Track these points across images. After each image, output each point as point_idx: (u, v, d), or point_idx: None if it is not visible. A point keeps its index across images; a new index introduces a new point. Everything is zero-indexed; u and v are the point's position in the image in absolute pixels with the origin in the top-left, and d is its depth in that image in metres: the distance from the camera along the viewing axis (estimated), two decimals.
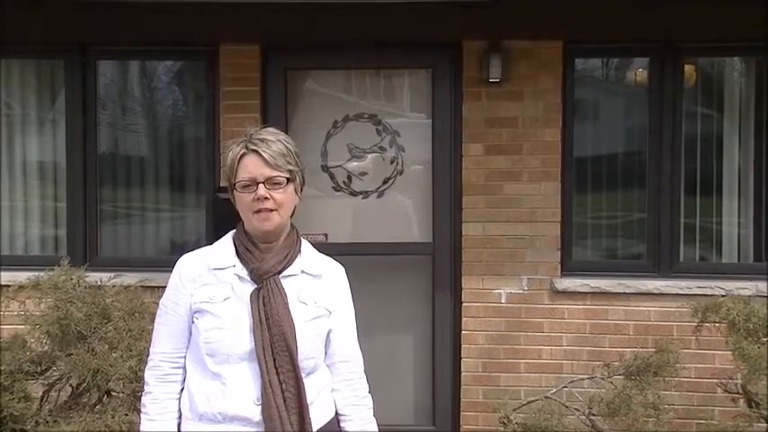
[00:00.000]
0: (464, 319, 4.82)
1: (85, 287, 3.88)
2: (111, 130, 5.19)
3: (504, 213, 4.79)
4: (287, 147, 2.17)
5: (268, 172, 2.13)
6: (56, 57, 5.08)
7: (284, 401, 2.09)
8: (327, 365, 2.27)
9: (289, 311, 2.13)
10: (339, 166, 5.03)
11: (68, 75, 5.04)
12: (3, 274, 4.65)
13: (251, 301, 2.13)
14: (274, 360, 2.09)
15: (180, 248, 4.88)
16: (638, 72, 5.07)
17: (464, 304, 4.82)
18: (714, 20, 4.61)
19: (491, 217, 4.79)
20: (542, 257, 4.78)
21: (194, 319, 2.17)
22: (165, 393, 2.20)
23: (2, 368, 3.51)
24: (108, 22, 4.82)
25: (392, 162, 5.02)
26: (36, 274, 3.97)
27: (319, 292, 2.23)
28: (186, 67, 5.31)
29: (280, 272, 2.17)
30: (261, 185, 2.12)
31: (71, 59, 5.01)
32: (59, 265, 3.99)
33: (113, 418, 3.40)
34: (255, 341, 2.09)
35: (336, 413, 2.28)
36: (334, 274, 2.31)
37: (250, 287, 2.15)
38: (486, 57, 4.70)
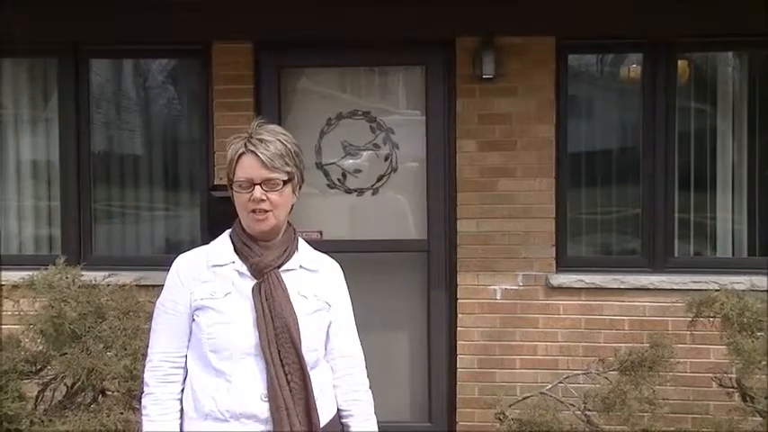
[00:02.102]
0: (459, 315, 4.82)
1: (80, 286, 3.86)
2: (104, 129, 5.19)
3: (499, 210, 4.79)
4: (286, 146, 2.16)
5: (265, 173, 2.12)
6: (49, 56, 5.07)
7: (291, 393, 2.09)
8: (328, 361, 2.27)
9: (291, 304, 2.14)
10: (333, 163, 5.03)
11: (61, 74, 5.03)
12: None
13: (253, 295, 2.13)
14: (279, 353, 2.09)
15: (175, 247, 4.88)
16: (632, 68, 5.07)
17: (459, 301, 4.82)
18: (707, 15, 4.61)
19: (485, 213, 4.80)
20: (537, 253, 4.78)
21: (195, 317, 2.16)
22: (167, 394, 2.19)
23: None
24: (101, 21, 4.82)
25: (386, 159, 5.02)
26: (30, 273, 3.95)
27: (318, 286, 2.24)
28: (179, 66, 5.30)
29: (279, 266, 2.18)
30: (257, 187, 2.12)
31: (64, 58, 5.01)
32: (54, 265, 3.98)
33: (108, 416, 3.39)
34: (260, 334, 2.09)
35: (338, 409, 2.29)
36: (330, 269, 2.32)
37: (250, 282, 2.16)
38: (479, 53, 4.70)
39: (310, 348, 2.16)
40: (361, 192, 5.03)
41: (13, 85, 5.21)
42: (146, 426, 2.19)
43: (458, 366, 4.84)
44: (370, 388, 2.35)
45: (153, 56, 5.22)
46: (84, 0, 4.72)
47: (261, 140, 2.14)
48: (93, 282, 4.02)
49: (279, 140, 2.16)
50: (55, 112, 5.09)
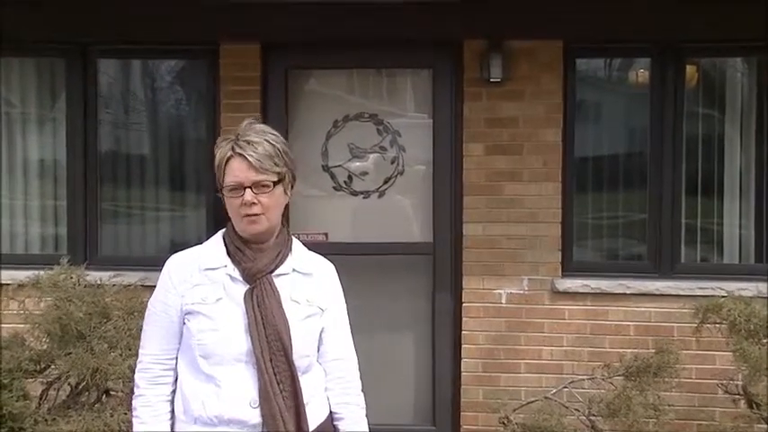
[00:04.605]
0: (464, 319, 4.81)
1: (85, 286, 3.88)
2: (111, 128, 5.19)
3: (505, 213, 4.78)
4: (274, 146, 2.12)
5: (254, 176, 2.08)
6: (57, 55, 5.08)
7: (283, 400, 2.08)
8: (320, 363, 2.25)
9: (282, 311, 2.11)
10: (340, 165, 5.02)
11: (69, 73, 5.04)
12: (3, 272, 4.65)
13: (245, 301, 2.10)
14: (270, 360, 2.07)
15: (180, 247, 4.83)
16: (640, 72, 5.06)
17: (464, 304, 4.81)
18: (715, 20, 4.60)
19: (492, 217, 4.79)
20: (543, 258, 4.77)
21: (186, 321, 2.13)
22: (157, 396, 2.17)
23: (1, 367, 3.50)
24: (108, 21, 4.83)
25: (393, 162, 5.01)
26: (36, 272, 3.96)
27: (311, 291, 2.20)
28: (187, 67, 5.31)
29: (272, 271, 2.14)
30: (248, 191, 2.08)
31: (72, 58, 5.01)
32: (59, 264, 3.98)
33: (112, 417, 3.40)
34: (253, 341, 2.07)
35: (330, 411, 2.26)
36: (325, 272, 2.29)
37: (242, 287, 2.12)
38: (486, 56, 4.69)
39: (302, 354, 2.14)
40: (367, 194, 5.02)
41: (20, 85, 5.22)
42: (136, 427, 2.17)
43: (462, 370, 4.82)
44: (368, 392, 2.33)
45: (160, 56, 5.22)
46: (93, 0, 4.73)
47: (248, 142, 2.09)
48: (99, 282, 4.03)
49: (266, 141, 2.11)
50: (62, 111, 5.10)
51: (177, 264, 2.21)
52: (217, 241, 2.22)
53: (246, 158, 2.08)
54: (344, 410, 2.27)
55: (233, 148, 2.11)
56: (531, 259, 4.77)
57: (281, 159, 2.13)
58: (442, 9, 4.69)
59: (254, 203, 2.09)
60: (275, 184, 2.12)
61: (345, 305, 2.33)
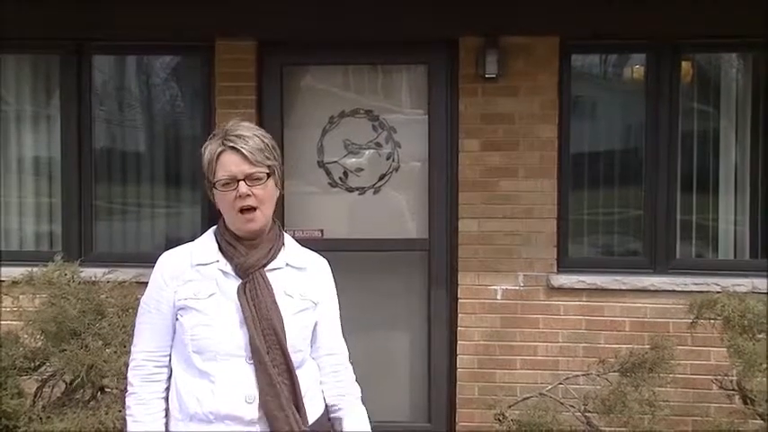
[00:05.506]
0: (460, 315, 4.81)
1: (80, 283, 3.86)
2: (106, 125, 5.18)
3: (501, 209, 4.78)
4: (263, 141, 2.14)
5: (247, 168, 2.10)
6: (52, 52, 5.06)
7: (282, 396, 2.08)
8: (314, 359, 2.26)
9: (276, 305, 2.12)
10: (335, 161, 5.02)
11: (64, 70, 5.02)
12: None
13: (239, 296, 2.10)
14: (268, 353, 2.07)
15: (175, 244, 4.83)
16: (636, 68, 5.06)
17: (460, 301, 4.81)
18: (711, 16, 4.60)
19: (487, 213, 4.79)
20: (538, 254, 4.77)
21: (178, 317, 2.14)
22: (151, 393, 2.17)
23: None
24: (104, 18, 4.81)
25: (388, 158, 5.01)
26: (30, 269, 3.95)
27: (304, 285, 2.21)
28: (182, 63, 5.29)
29: (264, 265, 2.15)
30: (242, 183, 2.09)
31: (67, 55, 5.00)
32: (54, 261, 3.97)
33: (107, 414, 3.38)
34: (251, 335, 2.07)
35: (326, 406, 2.28)
36: (317, 267, 2.30)
37: (235, 282, 2.13)
38: (482, 53, 4.68)
39: (296, 349, 2.14)
40: (362, 190, 5.02)
41: (15, 82, 5.20)
42: (130, 426, 2.16)
43: (458, 366, 4.83)
44: (363, 386, 2.35)
45: (156, 53, 5.20)
46: None
47: (239, 136, 2.11)
48: (93, 278, 4.02)
49: (256, 135, 2.14)
50: (57, 108, 5.08)
51: (169, 261, 2.21)
52: (208, 238, 2.23)
53: (239, 150, 2.09)
54: (341, 401, 2.29)
55: (224, 143, 2.12)
56: (527, 255, 4.77)
57: (270, 153, 2.15)
58: (438, 5, 4.68)
59: (248, 195, 2.10)
60: (267, 176, 2.13)
61: (338, 301, 2.34)
